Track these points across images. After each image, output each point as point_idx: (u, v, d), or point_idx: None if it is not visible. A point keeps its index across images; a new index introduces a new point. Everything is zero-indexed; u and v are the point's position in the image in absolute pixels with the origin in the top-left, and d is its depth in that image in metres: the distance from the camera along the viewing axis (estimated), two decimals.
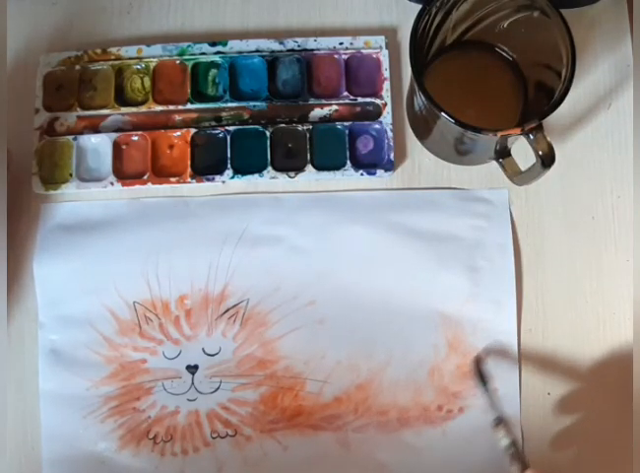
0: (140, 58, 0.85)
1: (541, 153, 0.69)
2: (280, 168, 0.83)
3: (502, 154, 0.79)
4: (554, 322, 0.80)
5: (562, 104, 0.70)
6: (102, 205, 0.82)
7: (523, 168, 0.76)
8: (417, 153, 0.84)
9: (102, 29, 0.87)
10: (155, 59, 0.85)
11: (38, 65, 0.84)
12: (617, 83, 0.85)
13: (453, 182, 0.83)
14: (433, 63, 0.82)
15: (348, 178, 0.82)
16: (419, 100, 0.74)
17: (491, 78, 0.82)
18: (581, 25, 0.83)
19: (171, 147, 0.84)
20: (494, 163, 0.81)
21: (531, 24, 0.75)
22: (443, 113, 0.70)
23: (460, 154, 0.82)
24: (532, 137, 0.69)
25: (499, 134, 0.70)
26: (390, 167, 0.82)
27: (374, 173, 0.82)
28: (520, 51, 0.80)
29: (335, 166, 0.83)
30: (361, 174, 0.82)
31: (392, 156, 0.83)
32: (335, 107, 0.85)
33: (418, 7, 0.73)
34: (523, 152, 0.77)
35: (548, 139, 0.69)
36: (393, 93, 0.85)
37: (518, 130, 0.69)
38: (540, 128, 0.69)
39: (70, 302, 0.80)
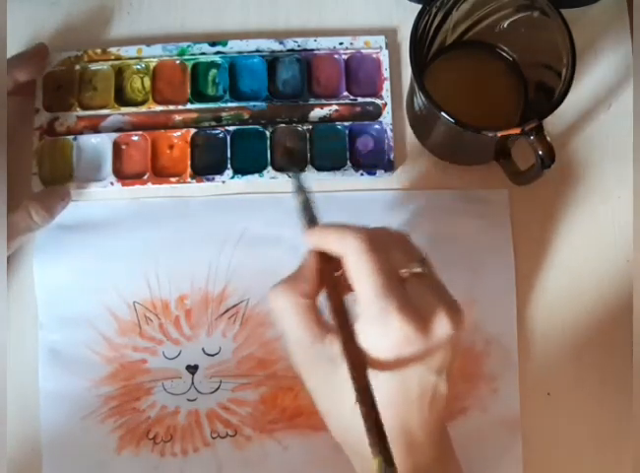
0: (140, 58, 0.85)
1: (541, 153, 0.69)
2: (280, 168, 0.83)
3: (502, 154, 0.79)
4: (554, 322, 0.80)
5: (562, 104, 0.70)
6: (102, 205, 0.82)
7: (523, 168, 0.77)
8: (417, 153, 0.84)
9: (102, 28, 0.87)
10: (155, 59, 0.85)
11: None
12: (617, 83, 0.86)
13: (453, 182, 0.83)
14: (433, 63, 0.82)
15: (348, 178, 0.83)
16: (419, 100, 0.74)
17: (492, 78, 0.82)
18: (581, 25, 0.82)
19: (171, 147, 0.84)
20: (494, 163, 0.81)
21: (531, 24, 0.76)
22: (443, 113, 0.70)
23: (460, 154, 0.82)
24: (532, 137, 0.70)
25: (499, 134, 0.70)
26: (390, 167, 0.82)
27: (374, 174, 0.82)
28: (520, 51, 0.81)
29: (335, 166, 0.83)
30: (361, 174, 0.82)
31: (392, 156, 0.83)
32: (335, 107, 0.85)
33: (418, 7, 0.73)
34: (523, 152, 0.77)
35: (548, 139, 0.70)
36: (393, 93, 0.85)
37: (518, 130, 0.70)
38: (540, 128, 0.70)
39: (70, 301, 0.80)
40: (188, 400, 0.78)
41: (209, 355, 0.79)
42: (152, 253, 0.81)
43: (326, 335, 0.59)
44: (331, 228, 0.61)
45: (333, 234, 0.60)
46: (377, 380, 0.56)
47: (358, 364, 0.56)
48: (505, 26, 0.79)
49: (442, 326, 0.57)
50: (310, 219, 0.66)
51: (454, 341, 0.59)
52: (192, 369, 0.79)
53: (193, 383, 0.78)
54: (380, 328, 0.56)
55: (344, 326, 0.58)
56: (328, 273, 0.62)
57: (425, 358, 0.58)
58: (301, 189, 0.68)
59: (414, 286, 0.59)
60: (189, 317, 0.80)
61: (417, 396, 0.59)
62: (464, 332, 0.61)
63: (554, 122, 0.83)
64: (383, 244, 0.59)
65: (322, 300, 0.61)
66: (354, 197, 0.83)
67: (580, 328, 0.80)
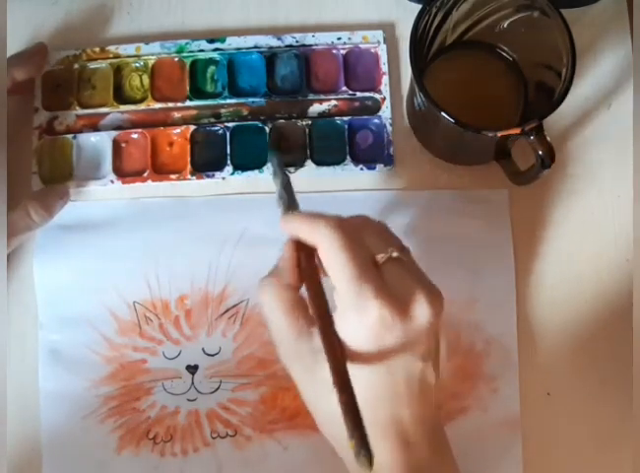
0: (138, 56, 0.85)
1: (541, 153, 0.69)
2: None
3: (502, 154, 0.79)
4: (554, 322, 0.80)
5: (562, 104, 0.70)
6: (102, 205, 0.82)
7: (523, 169, 0.77)
8: (417, 152, 0.84)
9: (102, 28, 0.87)
10: (153, 57, 0.85)
11: None
12: (617, 83, 0.86)
13: (453, 182, 0.83)
14: (433, 63, 0.82)
15: (347, 173, 0.83)
16: (419, 99, 0.74)
17: (492, 78, 0.82)
18: (581, 25, 0.83)
19: (171, 144, 0.84)
20: (494, 163, 0.81)
21: (531, 24, 0.75)
22: (443, 113, 0.70)
23: (460, 154, 0.82)
24: (532, 137, 0.70)
25: (499, 134, 0.70)
26: (390, 161, 0.83)
27: (374, 168, 0.83)
28: (520, 51, 0.81)
29: (334, 161, 0.83)
30: (361, 169, 0.82)
31: (391, 150, 0.83)
32: (334, 103, 0.85)
33: (418, 6, 0.73)
34: (523, 152, 0.77)
35: (548, 139, 0.70)
36: (392, 87, 0.85)
37: (518, 130, 0.70)
38: (540, 128, 0.70)
39: (70, 302, 0.80)
40: (188, 400, 0.78)
41: (209, 355, 0.79)
42: (152, 253, 0.81)
43: (311, 327, 0.60)
44: (304, 216, 0.62)
45: (305, 222, 0.61)
46: (361, 374, 0.56)
47: (336, 350, 0.56)
48: (505, 26, 0.79)
49: (422, 311, 0.57)
50: (288, 203, 0.67)
51: (436, 327, 0.59)
52: (192, 369, 0.79)
53: (193, 383, 0.79)
54: (357, 315, 0.56)
55: (322, 316, 0.58)
56: (305, 262, 0.62)
57: (408, 346, 0.58)
58: (280, 171, 0.69)
59: (391, 271, 0.59)
60: (189, 317, 0.80)
61: (405, 388, 0.59)
62: (444, 318, 0.61)
63: (554, 122, 0.83)
64: (357, 231, 0.60)
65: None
66: (354, 197, 0.83)
67: (580, 328, 0.80)
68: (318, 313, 0.58)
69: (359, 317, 0.56)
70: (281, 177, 0.68)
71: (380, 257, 0.59)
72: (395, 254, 0.60)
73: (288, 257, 0.62)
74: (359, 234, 0.60)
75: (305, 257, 0.62)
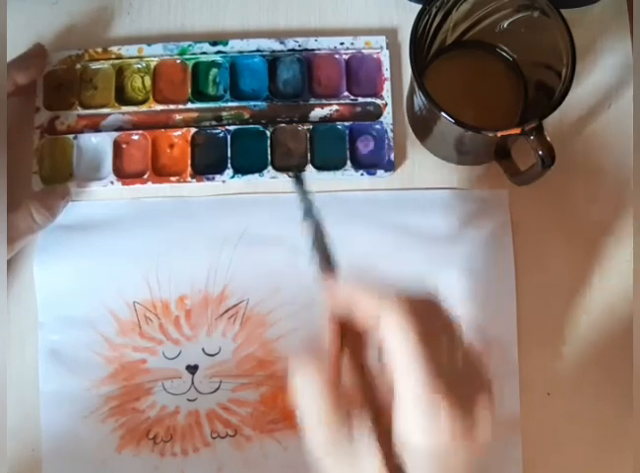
0: (141, 57, 0.85)
1: (541, 153, 0.69)
2: (280, 167, 0.83)
3: (502, 154, 0.79)
4: (554, 323, 0.80)
5: (562, 104, 0.70)
6: (103, 205, 0.83)
7: (523, 169, 0.76)
8: (417, 153, 0.84)
9: (102, 29, 0.87)
10: (155, 58, 0.85)
11: None
12: (617, 83, 0.85)
13: (453, 182, 0.83)
14: (433, 63, 0.82)
15: (348, 178, 0.82)
16: (419, 100, 0.74)
17: (491, 78, 0.82)
18: (581, 25, 0.83)
19: (172, 146, 0.84)
20: (494, 163, 0.81)
21: (531, 24, 0.76)
22: (443, 113, 0.70)
23: (460, 154, 0.82)
24: (532, 137, 0.70)
25: (499, 134, 0.70)
26: (390, 167, 0.82)
27: (374, 173, 0.82)
28: (520, 51, 0.81)
29: (335, 166, 0.83)
30: (361, 174, 0.82)
31: (392, 156, 0.83)
32: (335, 107, 0.85)
33: (418, 7, 0.73)
34: (523, 152, 0.77)
35: (548, 139, 0.69)
36: (393, 93, 0.85)
37: (518, 130, 0.69)
38: (540, 128, 0.70)
39: (70, 302, 0.80)
40: (188, 400, 0.79)
41: (209, 355, 0.79)
42: (152, 253, 0.81)
43: (350, 416, 0.55)
44: (367, 290, 0.56)
45: (369, 300, 0.55)
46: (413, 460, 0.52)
47: (391, 453, 0.52)
48: (505, 26, 0.79)
49: (484, 431, 0.52)
50: (325, 257, 0.60)
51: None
52: (192, 369, 0.79)
53: (193, 383, 0.79)
54: (423, 418, 0.51)
55: (375, 412, 0.54)
56: (351, 349, 0.56)
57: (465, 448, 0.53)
58: (311, 216, 0.62)
59: (454, 363, 0.54)
60: (189, 317, 0.80)
61: None
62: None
63: (554, 122, 0.83)
64: (427, 317, 0.54)
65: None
66: (355, 197, 0.83)
67: (580, 328, 0.80)
68: (370, 408, 0.54)
69: (426, 420, 0.51)
70: (313, 224, 0.61)
71: (447, 355, 0.54)
72: (459, 355, 0.55)
73: (332, 340, 0.56)
74: (429, 322, 0.53)
75: (351, 343, 0.57)
